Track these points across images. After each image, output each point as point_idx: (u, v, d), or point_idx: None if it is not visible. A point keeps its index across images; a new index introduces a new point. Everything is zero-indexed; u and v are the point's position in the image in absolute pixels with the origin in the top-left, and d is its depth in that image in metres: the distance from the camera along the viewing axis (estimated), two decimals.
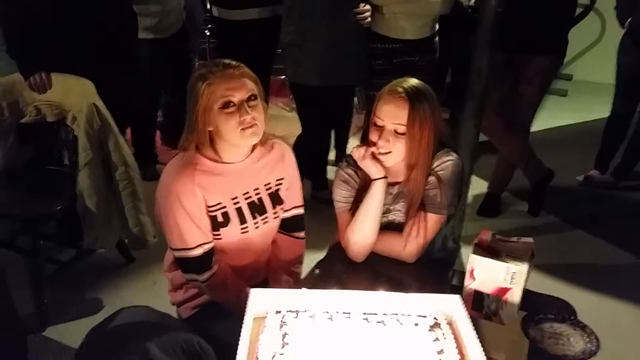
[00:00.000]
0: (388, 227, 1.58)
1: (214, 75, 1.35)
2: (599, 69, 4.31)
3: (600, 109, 3.32)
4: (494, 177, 3.05)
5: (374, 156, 1.47)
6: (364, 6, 2.55)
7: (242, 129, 1.36)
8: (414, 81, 1.47)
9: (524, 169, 2.95)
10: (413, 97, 1.42)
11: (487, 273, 1.23)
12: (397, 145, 1.44)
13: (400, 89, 1.44)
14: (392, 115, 1.43)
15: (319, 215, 1.86)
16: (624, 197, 3.30)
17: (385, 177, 1.49)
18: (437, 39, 2.72)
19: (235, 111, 1.35)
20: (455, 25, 2.76)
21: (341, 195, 1.57)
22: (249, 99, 1.37)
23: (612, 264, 2.65)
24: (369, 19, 2.57)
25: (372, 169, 1.48)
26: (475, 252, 1.24)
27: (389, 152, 1.45)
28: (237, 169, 1.47)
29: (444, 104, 3.65)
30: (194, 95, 1.36)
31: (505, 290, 1.23)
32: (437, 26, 2.70)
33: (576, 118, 4.56)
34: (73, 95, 2.08)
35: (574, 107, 4.84)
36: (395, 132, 1.43)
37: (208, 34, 4.43)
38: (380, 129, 1.45)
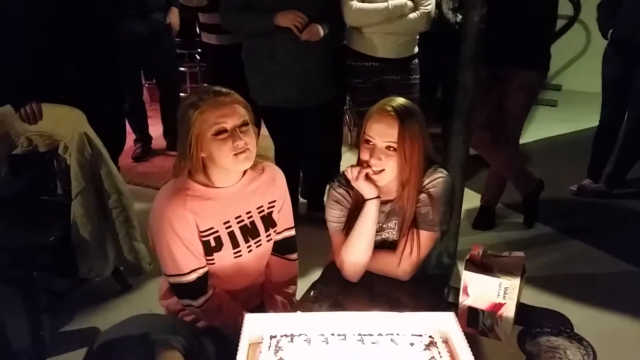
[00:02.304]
0: (381, 246, 1.58)
1: (205, 102, 1.36)
2: (587, 78, 4.36)
3: (590, 118, 3.36)
4: (486, 190, 3.06)
5: (367, 176, 1.48)
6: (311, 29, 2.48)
7: (235, 155, 1.38)
8: (401, 100, 1.49)
9: (514, 181, 2.97)
10: (402, 115, 1.44)
11: (480, 289, 1.23)
12: (389, 163, 1.45)
13: (389, 108, 1.46)
14: (383, 133, 1.44)
15: (316, 235, 1.86)
16: (617, 205, 3.31)
17: (378, 197, 1.49)
18: (416, 60, 2.70)
19: (228, 137, 1.37)
20: (443, 42, 2.79)
21: (334, 215, 1.58)
22: (241, 125, 1.39)
23: (609, 273, 2.65)
24: (319, 34, 2.51)
25: (366, 189, 1.49)
26: (467, 268, 1.24)
27: (382, 171, 1.46)
28: (229, 193, 1.48)
29: (437, 121, 3.70)
30: (186, 122, 1.37)
31: (499, 306, 1.23)
32: (416, 48, 2.70)
33: (567, 128, 4.60)
34: (64, 125, 2.08)
35: (564, 117, 4.89)
36: (387, 149, 1.45)
37: (199, 58, 4.49)
38: (372, 147, 1.46)
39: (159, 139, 4.09)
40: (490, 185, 3.04)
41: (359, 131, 1.53)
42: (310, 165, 3.03)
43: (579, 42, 5.35)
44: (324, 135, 2.88)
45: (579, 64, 5.50)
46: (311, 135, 2.85)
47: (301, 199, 3.13)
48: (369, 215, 1.49)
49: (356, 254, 1.50)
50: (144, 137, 3.93)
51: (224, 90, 1.41)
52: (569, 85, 5.61)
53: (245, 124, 1.40)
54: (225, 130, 1.37)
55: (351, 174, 1.48)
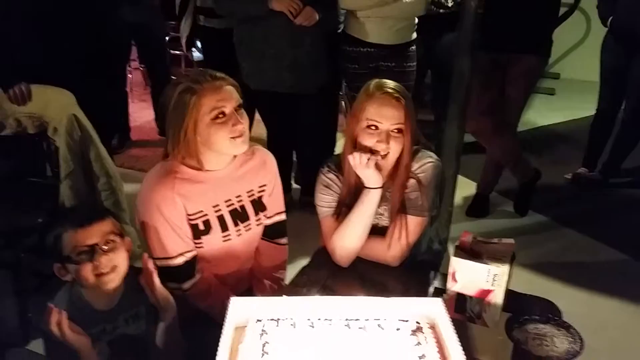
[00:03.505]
0: (372, 231, 1.56)
1: (202, 86, 1.34)
2: (586, 67, 4.33)
3: (588, 107, 3.35)
4: (482, 178, 3.05)
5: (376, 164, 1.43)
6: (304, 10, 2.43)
7: (233, 138, 1.37)
8: (393, 82, 1.47)
9: (513, 169, 2.96)
10: (405, 96, 1.43)
11: (468, 275, 1.22)
12: (394, 147, 1.43)
13: (391, 90, 1.43)
14: (390, 115, 1.41)
15: (310, 220, 1.84)
16: (612, 194, 3.31)
17: (381, 187, 1.46)
18: (414, 47, 2.67)
19: (227, 121, 1.35)
20: (431, 26, 2.76)
21: (324, 200, 1.56)
22: (237, 107, 1.38)
23: (601, 261, 2.65)
24: (314, 18, 2.47)
25: (373, 177, 1.44)
26: (456, 255, 1.23)
27: (387, 155, 1.44)
28: (219, 177, 1.46)
29: (428, 106, 3.67)
30: (180, 107, 1.34)
31: (487, 292, 1.22)
32: (415, 34, 2.67)
33: (564, 116, 4.58)
34: (53, 106, 2.06)
35: (562, 105, 4.86)
36: (393, 132, 1.42)
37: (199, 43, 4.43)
38: (377, 131, 1.42)
39: (152, 122, 4.06)
40: (487, 172, 3.03)
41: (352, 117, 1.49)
42: (304, 151, 3.01)
43: (578, 31, 5.30)
44: (318, 120, 2.85)
45: (577, 52, 5.46)
46: (305, 121, 2.82)
47: (295, 185, 3.12)
48: (371, 204, 1.46)
49: (350, 240, 1.49)
50: (122, 128, 3.86)
51: (218, 74, 1.39)
52: (568, 74, 5.57)
53: (240, 106, 1.39)
54: (223, 114, 1.35)
55: (358, 161, 1.42)
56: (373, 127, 1.43)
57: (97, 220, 1.26)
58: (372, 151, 1.43)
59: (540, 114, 4.58)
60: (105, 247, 1.24)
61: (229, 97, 1.37)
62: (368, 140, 1.43)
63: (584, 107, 4.03)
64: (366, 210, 1.47)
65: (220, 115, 1.35)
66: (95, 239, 1.23)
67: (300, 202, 2.96)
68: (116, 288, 1.29)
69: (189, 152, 1.39)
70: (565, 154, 3.67)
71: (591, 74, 3.22)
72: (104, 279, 1.25)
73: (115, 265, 1.26)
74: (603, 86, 3.20)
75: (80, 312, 1.28)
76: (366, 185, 1.46)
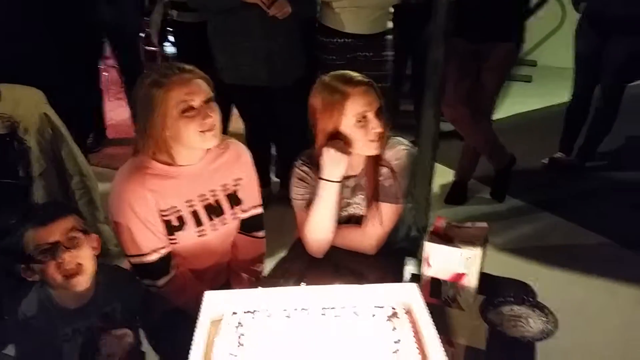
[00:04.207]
0: (349, 221, 1.57)
1: (170, 80, 1.32)
2: (562, 54, 4.37)
3: (564, 93, 3.39)
4: (459, 165, 3.07)
5: (344, 152, 1.42)
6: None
7: (202, 132, 1.35)
8: (350, 72, 1.48)
9: (489, 155, 2.98)
10: (371, 80, 1.45)
11: (442, 259, 1.22)
12: (384, 126, 1.43)
13: (360, 78, 1.44)
14: (373, 100, 1.42)
15: (289, 214, 1.84)
16: (588, 177, 3.35)
17: (340, 182, 1.46)
18: (390, 36, 2.66)
19: (196, 115, 1.33)
20: (410, 15, 2.75)
21: (298, 192, 1.56)
22: (207, 101, 1.36)
23: (579, 244, 2.69)
24: (287, 10, 2.43)
25: (337, 170, 1.43)
26: (430, 240, 1.24)
27: (383, 135, 1.43)
28: (192, 172, 1.44)
29: (408, 96, 3.67)
30: (149, 101, 1.32)
31: (461, 276, 1.22)
32: (390, 23, 2.67)
33: (541, 103, 4.62)
34: (23, 105, 2.01)
35: (539, 92, 4.91)
36: (377, 114, 1.42)
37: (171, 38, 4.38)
38: (365, 120, 1.41)
39: (128, 120, 4.01)
40: (464, 160, 3.05)
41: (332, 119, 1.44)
42: (282, 145, 2.99)
43: (554, 18, 5.34)
44: (296, 114, 2.83)
45: (554, 39, 5.50)
46: (283, 114, 2.80)
47: (275, 179, 3.10)
48: (330, 196, 1.45)
49: (320, 232, 1.49)
50: (98, 126, 3.80)
51: (187, 67, 1.37)
52: (544, 61, 5.62)
53: (210, 99, 1.37)
54: (192, 108, 1.33)
55: (333, 154, 1.41)
56: (363, 119, 1.41)
57: (58, 217, 1.23)
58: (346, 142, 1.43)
59: (518, 100, 4.62)
60: (67, 245, 1.22)
61: (198, 90, 1.34)
62: (362, 134, 1.42)
63: (561, 94, 4.07)
64: (327, 204, 1.46)
65: (189, 109, 1.33)
66: (57, 237, 1.21)
67: (279, 195, 2.95)
68: (88, 288, 1.27)
69: (159, 147, 1.37)
70: (542, 139, 3.70)
71: (568, 61, 3.25)
72: (72, 281, 1.23)
73: (80, 263, 1.23)
74: (578, 72, 3.23)
75: (50, 313, 1.26)
76: (326, 177, 1.45)
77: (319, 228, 1.48)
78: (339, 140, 1.43)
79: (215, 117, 1.37)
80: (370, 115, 1.41)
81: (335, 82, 1.43)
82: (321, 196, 1.46)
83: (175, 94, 1.31)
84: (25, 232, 1.21)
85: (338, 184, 1.45)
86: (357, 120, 1.41)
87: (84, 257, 1.25)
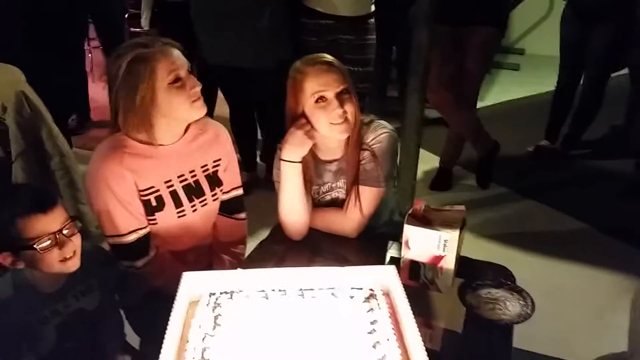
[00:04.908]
0: (332, 204, 1.57)
1: (154, 51, 1.30)
2: (550, 42, 4.36)
3: (552, 82, 3.40)
4: (444, 151, 3.08)
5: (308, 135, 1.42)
6: None
7: (192, 101, 1.34)
8: (319, 54, 1.47)
9: (474, 141, 2.99)
10: (338, 63, 1.43)
11: (420, 242, 1.23)
12: (349, 109, 1.41)
13: (323, 59, 1.42)
14: (332, 81, 1.39)
15: (274, 198, 1.84)
16: (573, 165, 3.38)
17: (300, 162, 1.45)
18: (372, 20, 2.61)
19: (183, 85, 1.33)
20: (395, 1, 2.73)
21: (279, 175, 1.54)
22: (189, 71, 1.36)
23: (561, 230, 2.71)
24: None
25: (296, 151, 1.43)
26: (408, 222, 1.24)
27: (347, 119, 1.41)
28: (170, 151, 1.42)
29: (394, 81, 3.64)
30: (133, 76, 1.29)
31: (439, 258, 1.23)
32: (373, 7, 2.64)
33: (529, 91, 4.63)
34: (0, 84, 1.97)
35: (527, 80, 4.91)
36: (342, 95, 1.40)
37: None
38: (325, 102, 1.39)
39: None
40: (449, 146, 3.06)
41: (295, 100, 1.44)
42: (268, 128, 2.97)
43: (542, 6, 5.34)
44: (280, 96, 2.81)
45: (542, 27, 5.50)
46: (268, 97, 2.77)
47: (261, 162, 3.09)
48: (291, 177, 1.45)
49: (291, 214, 1.49)
50: (81, 108, 3.75)
51: (164, 39, 1.36)
52: (532, 49, 5.62)
53: (190, 70, 1.37)
54: (180, 78, 1.32)
55: (295, 135, 1.42)
56: (322, 99, 1.40)
57: (53, 205, 1.21)
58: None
59: (505, 88, 4.64)
60: (66, 232, 1.21)
61: (183, 62, 1.34)
62: (322, 116, 1.40)
63: (548, 82, 4.07)
64: (291, 186, 1.45)
65: (177, 79, 1.32)
66: (57, 225, 1.20)
67: (265, 179, 2.94)
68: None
69: (143, 123, 1.34)
70: (529, 127, 3.72)
71: (556, 49, 3.26)
72: (68, 263, 1.23)
73: (75, 250, 1.24)
74: (563, 59, 3.24)
75: (27, 297, 1.25)
76: (285, 158, 1.44)
77: (290, 210, 1.48)
78: (306, 123, 1.42)
79: (199, 87, 1.36)
80: (330, 96, 1.39)
81: (300, 63, 1.43)
82: (284, 178, 1.46)
83: (163, 65, 1.30)
84: (17, 219, 1.17)
85: (298, 164, 1.44)
86: (315, 100, 1.39)
87: (78, 243, 1.25)
